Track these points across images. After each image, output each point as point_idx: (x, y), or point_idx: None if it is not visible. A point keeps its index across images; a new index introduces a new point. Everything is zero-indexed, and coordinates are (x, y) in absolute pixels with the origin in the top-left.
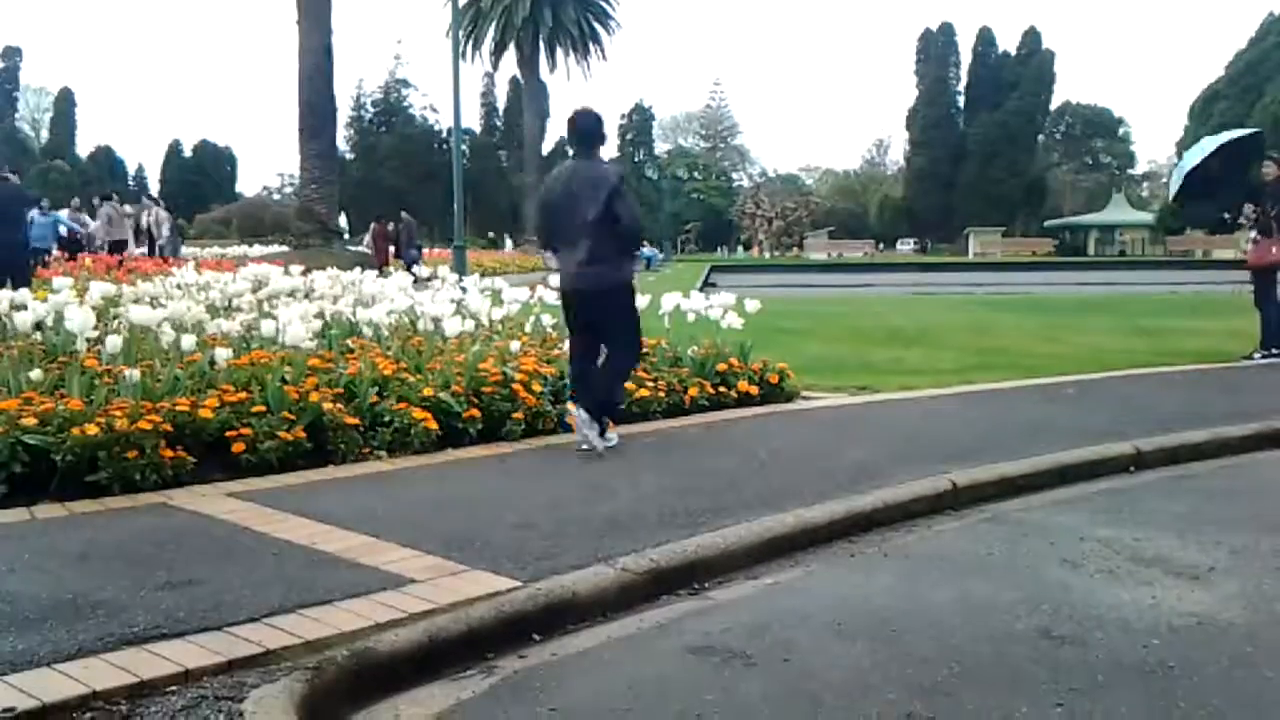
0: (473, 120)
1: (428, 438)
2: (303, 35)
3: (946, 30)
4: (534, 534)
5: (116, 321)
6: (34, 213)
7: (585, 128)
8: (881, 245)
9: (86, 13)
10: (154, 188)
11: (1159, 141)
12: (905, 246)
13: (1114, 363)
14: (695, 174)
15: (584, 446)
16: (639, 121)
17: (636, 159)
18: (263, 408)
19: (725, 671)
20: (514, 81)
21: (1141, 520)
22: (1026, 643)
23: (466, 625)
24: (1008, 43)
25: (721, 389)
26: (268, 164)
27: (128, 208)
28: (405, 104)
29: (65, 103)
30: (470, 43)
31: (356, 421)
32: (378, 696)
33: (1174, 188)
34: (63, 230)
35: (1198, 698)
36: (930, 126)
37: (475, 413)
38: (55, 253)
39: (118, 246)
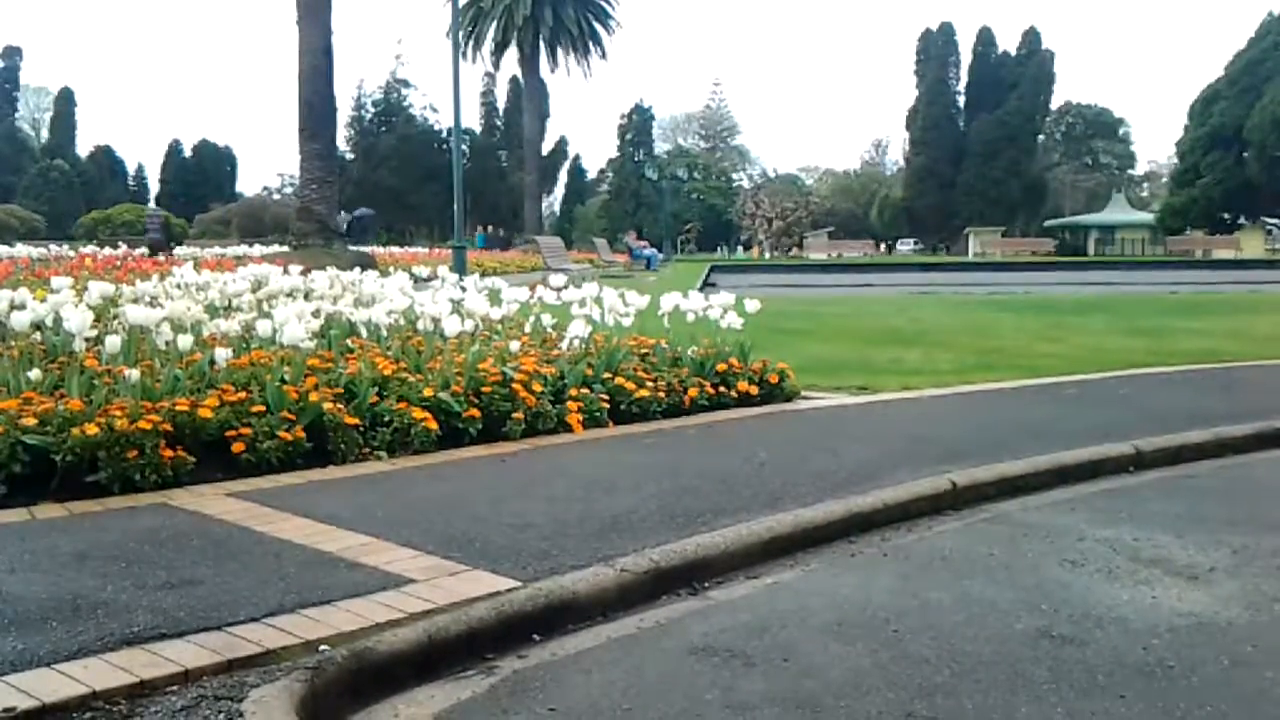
0: (473, 120)
1: (428, 438)
2: (303, 35)
3: (946, 30)
4: (534, 534)
5: (115, 321)
6: None
7: None
8: (890, 246)
9: (86, 13)
10: (154, 187)
11: (1159, 142)
12: (904, 247)
13: (1114, 363)
14: (695, 174)
15: None
16: (639, 121)
17: (636, 159)
18: (262, 408)
19: (725, 672)
20: (514, 81)
21: (1141, 520)
22: (1026, 643)
23: (466, 625)
24: (1008, 43)
25: (721, 389)
26: (268, 164)
27: None
28: (405, 104)
29: (65, 102)
30: (471, 42)
31: (356, 421)
32: (377, 696)
33: None
34: None
35: (1197, 698)
36: (930, 126)
37: (475, 413)
38: None
39: None
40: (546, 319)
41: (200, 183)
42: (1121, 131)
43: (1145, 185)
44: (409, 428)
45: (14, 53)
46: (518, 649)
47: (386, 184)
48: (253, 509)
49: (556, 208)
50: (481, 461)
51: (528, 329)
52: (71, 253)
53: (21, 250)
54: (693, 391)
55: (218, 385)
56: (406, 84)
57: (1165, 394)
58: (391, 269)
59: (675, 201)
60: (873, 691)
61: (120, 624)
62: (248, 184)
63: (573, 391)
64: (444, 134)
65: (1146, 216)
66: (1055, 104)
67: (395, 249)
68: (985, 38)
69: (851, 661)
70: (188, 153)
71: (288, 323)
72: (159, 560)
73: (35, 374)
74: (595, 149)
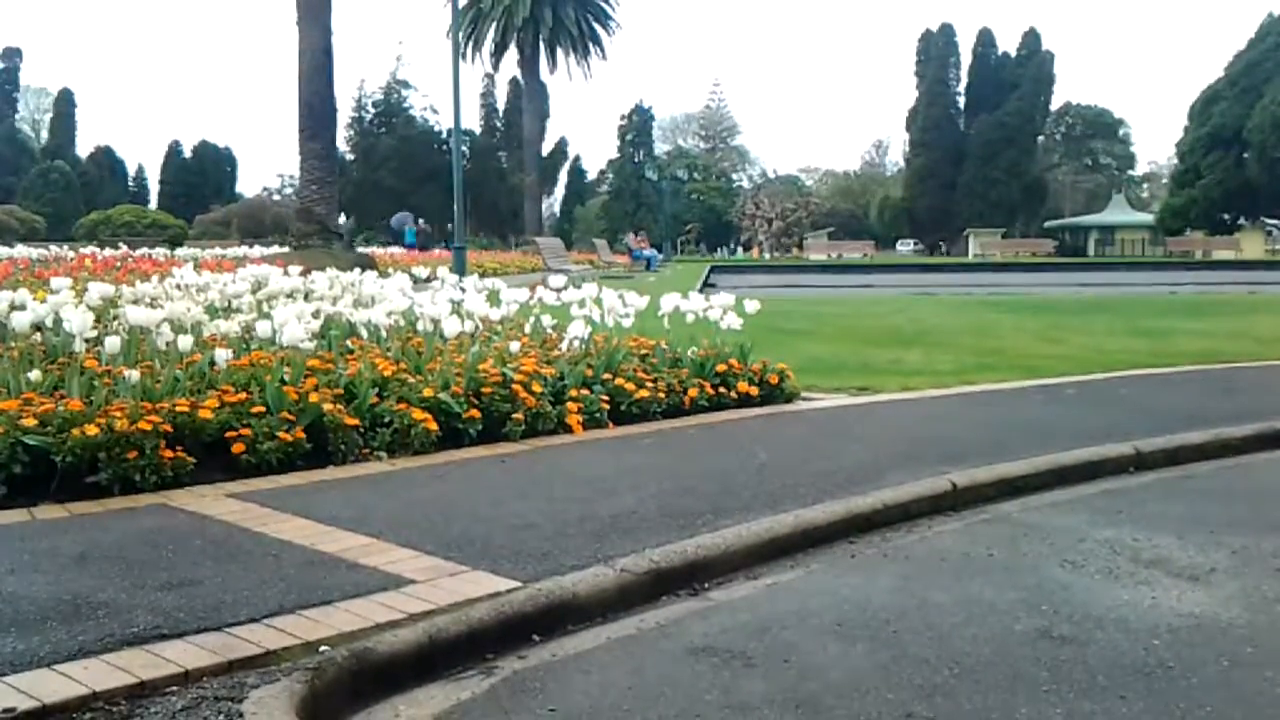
0: (473, 121)
1: (427, 438)
2: (303, 35)
3: (947, 31)
4: (534, 534)
5: (115, 322)
6: None
7: None
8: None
9: (86, 13)
10: (154, 188)
11: (1159, 142)
12: (904, 248)
13: (1114, 363)
14: (695, 175)
15: None
16: (639, 122)
17: (636, 160)
18: (262, 408)
19: (725, 672)
20: (514, 82)
21: (1141, 521)
22: (1026, 643)
23: (466, 626)
24: (1008, 44)
25: (721, 390)
26: (268, 164)
27: None
28: (405, 105)
29: (65, 103)
30: (470, 43)
31: (356, 422)
32: (377, 697)
33: None
34: None
35: (1197, 698)
36: (930, 127)
37: (475, 413)
38: None
39: None
40: (546, 320)
41: (200, 183)
42: (1121, 132)
43: (1145, 186)
44: (409, 428)
45: (14, 53)
46: (518, 649)
47: (386, 184)
48: (253, 510)
49: (556, 208)
50: (481, 462)
51: (527, 330)
52: (71, 254)
53: (21, 251)
54: (693, 392)
55: (218, 386)
56: (406, 85)
57: (1165, 394)
58: (391, 270)
59: (675, 202)
60: (872, 692)
61: (120, 624)
62: (248, 185)
63: (573, 392)
64: (444, 135)
65: (1146, 217)
66: (1055, 105)
67: (395, 249)
68: (985, 38)
69: (851, 662)
70: (188, 153)
71: (287, 323)
72: (159, 561)
73: (35, 375)
74: (595, 149)
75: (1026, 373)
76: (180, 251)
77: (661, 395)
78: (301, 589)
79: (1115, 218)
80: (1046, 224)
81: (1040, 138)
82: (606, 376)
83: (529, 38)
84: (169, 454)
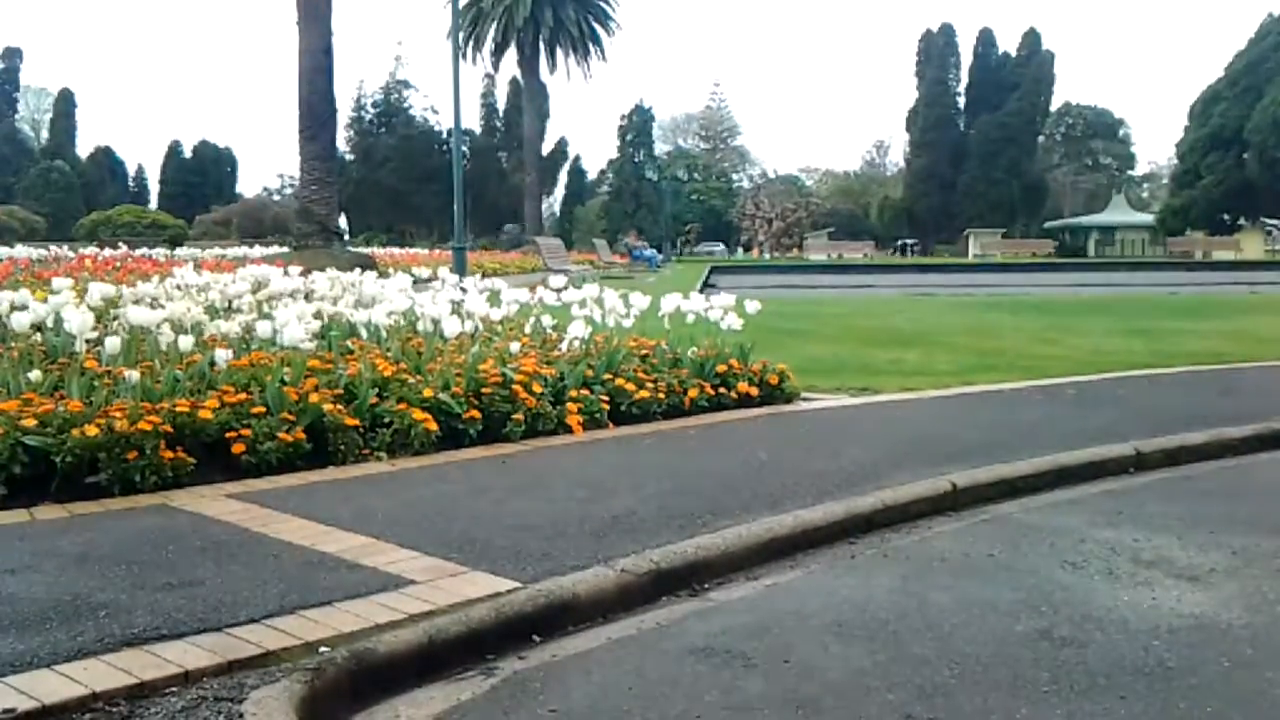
0: (473, 121)
1: (427, 439)
2: (302, 36)
3: (947, 31)
4: (534, 535)
5: (116, 323)
6: None
7: None
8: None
9: (86, 13)
10: (154, 188)
11: (1159, 143)
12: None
13: (1114, 364)
14: (695, 175)
15: None
16: (639, 123)
17: (636, 160)
18: (262, 409)
19: (725, 673)
20: (514, 82)
21: (1141, 521)
22: (1026, 644)
23: (466, 626)
24: (1008, 44)
25: (721, 390)
26: (268, 165)
27: None
28: (405, 105)
29: (65, 103)
30: (471, 44)
31: (356, 423)
32: (377, 697)
33: None
34: None
35: (1197, 699)
36: (930, 127)
37: (475, 414)
38: None
39: None
40: (546, 320)
41: (200, 184)
42: (1121, 132)
43: (1145, 186)
44: (409, 429)
45: (14, 54)
46: (518, 650)
47: (386, 185)
48: (253, 510)
49: (557, 208)
50: (481, 462)
51: (528, 330)
52: (71, 254)
53: (21, 251)
54: (693, 393)
55: (218, 386)
56: (407, 85)
57: (1165, 395)
58: (391, 270)
59: (675, 202)
60: (873, 692)
61: (120, 625)
62: (248, 185)
63: (573, 393)
64: (444, 135)
65: (1146, 217)
66: (1055, 105)
67: (395, 250)
68: (985, 39)
69: (851, 662)
70: (188, 153)
71: (288, 324)
72: (159, 561)
73: (35, 375)
74: (595, 150)
75: (1026, 373)
76: (180, 252)
77: (661, 396)
78: (301, 589)
79: (1115, 218)
80: (1046, 224)
81: (1040, 138)
82: (607, 377)
83: (529, 38)
84: (169, 454)
